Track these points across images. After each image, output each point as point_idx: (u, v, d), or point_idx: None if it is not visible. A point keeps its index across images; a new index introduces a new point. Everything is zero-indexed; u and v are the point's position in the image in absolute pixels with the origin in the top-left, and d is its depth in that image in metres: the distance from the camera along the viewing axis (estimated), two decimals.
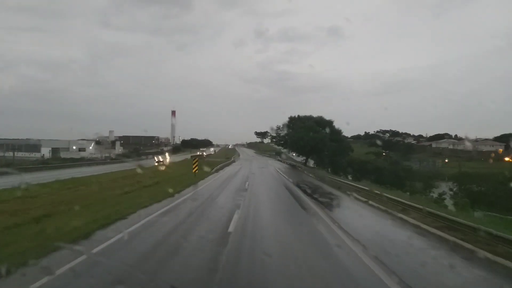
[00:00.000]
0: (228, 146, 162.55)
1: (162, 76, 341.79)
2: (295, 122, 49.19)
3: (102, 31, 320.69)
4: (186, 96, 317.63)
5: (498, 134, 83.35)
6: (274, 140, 61.30)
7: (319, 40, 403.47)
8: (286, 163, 51.66)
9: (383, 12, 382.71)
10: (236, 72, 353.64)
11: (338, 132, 45.44)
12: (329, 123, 45.65)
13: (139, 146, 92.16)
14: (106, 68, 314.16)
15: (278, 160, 63.12)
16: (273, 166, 41.27)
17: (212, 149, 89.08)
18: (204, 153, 67.32)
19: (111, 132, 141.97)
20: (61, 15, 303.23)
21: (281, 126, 53.59)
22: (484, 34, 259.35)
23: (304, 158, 50.37)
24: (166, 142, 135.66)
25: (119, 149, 79.77)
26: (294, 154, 71.85)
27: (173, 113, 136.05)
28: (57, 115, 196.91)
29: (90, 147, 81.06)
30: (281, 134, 54.44)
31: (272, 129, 60.13)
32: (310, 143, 41.23)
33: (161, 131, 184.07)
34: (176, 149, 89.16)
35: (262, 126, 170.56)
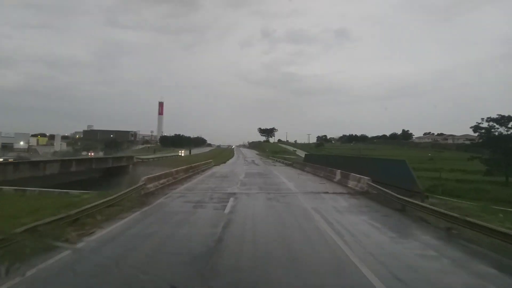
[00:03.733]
0: (232, 147, 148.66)
1: (167, 75, 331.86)
2: None
3: (109, 29, 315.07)
4: (190, 95, 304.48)
5: None
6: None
7: (326, 42, 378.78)
8: None
9: (391, 16, 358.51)
10: (241, 73, 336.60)
11: None
12: None
13: (93, 141, 72.37)
14: (111, 66, 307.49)
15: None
16: None
17: (181, 151, 64.21)
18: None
19: (89, 127, 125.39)
20: (68, 13, 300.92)
21: None
22: (491, 39, 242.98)
23: None
24: (153, 139, 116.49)
25: (58, 146, 60.08)
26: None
27: (161, 105, 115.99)
28: (60, 112, 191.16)
29: (21, 143, 62.82)
30: None
31: None
32: None
33: (163, 129, 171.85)
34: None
35: (267, 127, 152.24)
